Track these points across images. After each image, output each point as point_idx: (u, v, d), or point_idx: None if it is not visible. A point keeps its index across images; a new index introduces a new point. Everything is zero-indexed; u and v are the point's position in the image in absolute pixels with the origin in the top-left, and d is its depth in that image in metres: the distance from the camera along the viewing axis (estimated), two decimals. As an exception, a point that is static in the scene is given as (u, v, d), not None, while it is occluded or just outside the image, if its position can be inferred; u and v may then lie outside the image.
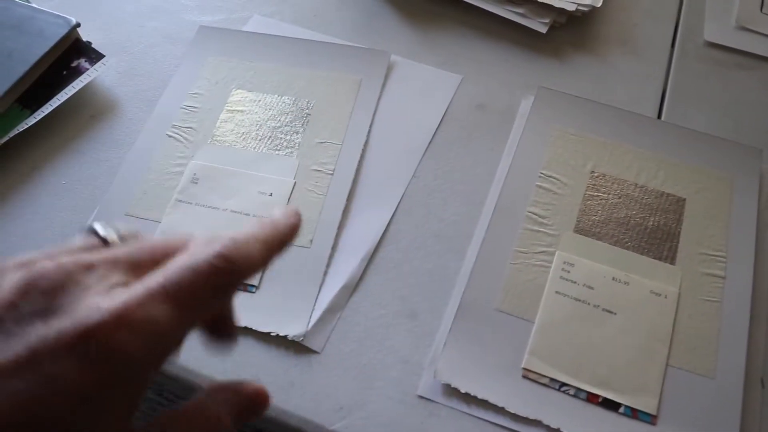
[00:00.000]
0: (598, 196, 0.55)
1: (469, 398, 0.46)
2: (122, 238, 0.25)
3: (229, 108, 0.60)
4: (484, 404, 0.46)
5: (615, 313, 0.50)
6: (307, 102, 0.60)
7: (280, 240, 0.25)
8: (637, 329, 0.49)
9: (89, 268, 0.22)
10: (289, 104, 0.60)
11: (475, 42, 0.65)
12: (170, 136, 0.58)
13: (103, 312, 0.20)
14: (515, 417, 0.46)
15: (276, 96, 0.60)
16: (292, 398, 0.46)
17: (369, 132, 0.58)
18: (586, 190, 0.55)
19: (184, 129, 0.59)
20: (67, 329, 0.19)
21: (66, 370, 0.19)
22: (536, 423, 0.45)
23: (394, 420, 0.46)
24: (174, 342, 0.22)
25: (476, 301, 0.50)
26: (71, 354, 0.19)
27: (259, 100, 0.60)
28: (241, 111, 0.60)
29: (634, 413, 0.46)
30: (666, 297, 0.51)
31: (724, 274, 0.52)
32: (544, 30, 0.64)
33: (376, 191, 0.55)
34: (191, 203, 0.55)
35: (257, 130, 0.58)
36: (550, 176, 0.56)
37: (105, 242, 0.25)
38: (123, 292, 0.21)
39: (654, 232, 0.54)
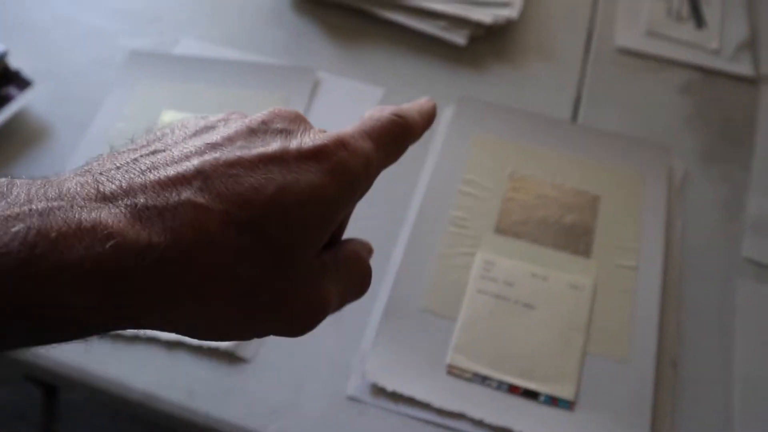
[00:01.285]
0: (517, 197, 0.58)
1: (396, 396, 0.48)
2: None
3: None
4: (411, 401, 0.48)
5: (534, 308, 0.52)
6: (237, 120, 0.62)
7: (428, 113, 0.30)
8: (556, 321, 0.52)
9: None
10: (219, 123, 0.62)
11: (399, 56, 0.68)
12: (102, 159, 0.60)
13: (330, 137, 0.24)
14: (440, 412, 0.48)
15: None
16: (226, 406, 0.48)
17: (296, 146, 0.60)
18: (506, 193, 0.58)
19: (116, 151, 0.60)
20: (306, 143, 0.24)
21: (308, 172, 0.23)
22: (460, 416, 0.47)
23: (324, 421, 0.47)
24: (372, 176, 0.26)
25: (402, 302, 0.52)
26: (310, 161, 0.24)
27: (190, 120, 0.62)
28: (172, 131, 0.61)
29: (553, 401, 0.48)
30: (582, 289, 0.53)
31: (636, 265, 0.55)
32: (463, 42, 0.67)
33: (304, 203, 0.57)
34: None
35: (188, 149, 0.60)
36: (471, 181, 0.59)
37: None
38: (335, 131, 0.26)
39: (571, 229, 0.57)
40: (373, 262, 0.55)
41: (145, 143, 0.25)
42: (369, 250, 0.29)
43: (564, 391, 0.49)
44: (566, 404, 0.48)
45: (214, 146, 0.23)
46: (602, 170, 0.60)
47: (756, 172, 0.62)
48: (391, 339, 0.50)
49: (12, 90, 0.61)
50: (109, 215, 0.20)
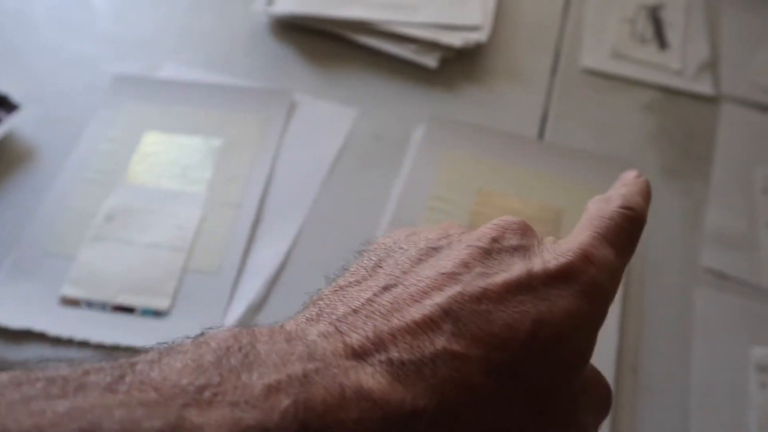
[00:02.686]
0: (483, 212, 0.60)
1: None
2: None
3: (143, 150, 0.64)
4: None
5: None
6: (217, 141, 0.64)
7: (648, 192, 0.27)
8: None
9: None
10: (200, 143, 0.64)
11: (373, 78, 0.71)
12: (87, 179, 0.62)
13: (573, 252, 0.22)
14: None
15: (187, 136, 0.65)
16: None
17: (273, 165, 0.63)
18: (473, 207, 0.61)
19: (100, 171, 0.62)
20: (550, 262, 0.22)
21: (560, 297, 0.21)
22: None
23: None
24: (618, 286, 0.23)
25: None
26: (559, 282, 0.21)
27: (172, 141, 0.64)
28: (155, 152, 0.64)
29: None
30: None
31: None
32: (434, 65, 0.70)
33: (279, 220, 0.60)
34: (107, 240, 0.58)
35: (169, 168, 0.63)
36: (439, 197, 0.61)
37: None
38: (568, 241, 0.23)
39: (535, 242, 0.59)
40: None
41: (366, 273, 0.23)
42: None
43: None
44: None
45: (451, 277, 0.21)
46: (567, 185, 0.63)
47: (714, 186, 0.65)
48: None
49: (0, 113, 0.63)
50: (368, 377, 0.19)
